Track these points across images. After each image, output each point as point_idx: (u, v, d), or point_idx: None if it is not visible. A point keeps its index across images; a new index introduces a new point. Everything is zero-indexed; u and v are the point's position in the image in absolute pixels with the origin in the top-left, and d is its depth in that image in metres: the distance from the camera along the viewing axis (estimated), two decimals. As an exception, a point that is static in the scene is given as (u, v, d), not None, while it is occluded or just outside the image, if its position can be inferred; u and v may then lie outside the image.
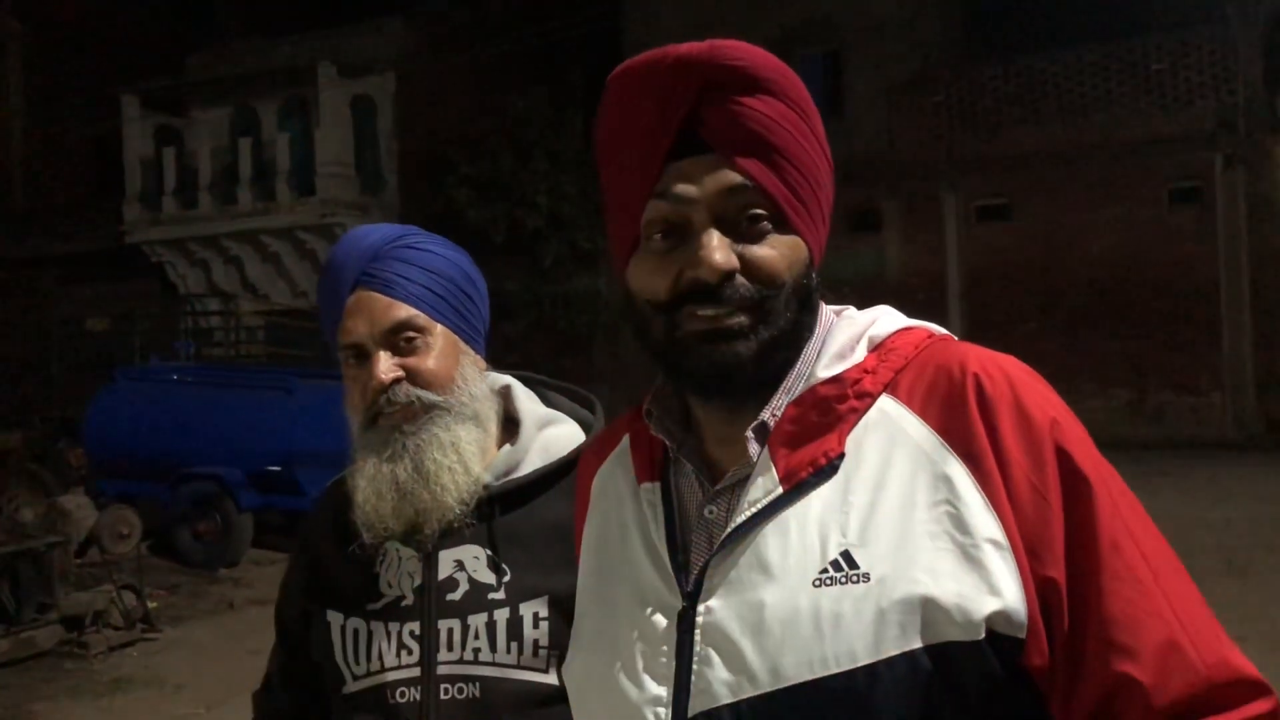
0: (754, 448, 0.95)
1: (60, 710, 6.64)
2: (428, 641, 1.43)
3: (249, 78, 20.60)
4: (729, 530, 0.94)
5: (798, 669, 0.87)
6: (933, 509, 0.89)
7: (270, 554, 10.83)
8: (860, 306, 1.05)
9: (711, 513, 0.97)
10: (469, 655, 1.42)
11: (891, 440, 0.92)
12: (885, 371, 0.95)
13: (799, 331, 0.96)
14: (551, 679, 1.42)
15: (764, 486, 0.94)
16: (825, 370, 0.96)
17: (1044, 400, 0.92)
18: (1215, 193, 16.38)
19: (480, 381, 1.51)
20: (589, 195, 17.89)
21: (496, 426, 1.52)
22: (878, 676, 0.86)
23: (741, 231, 0.93)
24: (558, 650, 1.41)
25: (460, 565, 1.45)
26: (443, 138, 19.79)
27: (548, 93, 19.32)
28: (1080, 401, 16.27)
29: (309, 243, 19.69)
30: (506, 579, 1.45)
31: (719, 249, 0.91)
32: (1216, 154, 16.28)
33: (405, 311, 1.44)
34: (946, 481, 0.89)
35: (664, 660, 0.95)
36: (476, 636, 1.43)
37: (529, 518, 1.48)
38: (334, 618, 1.49)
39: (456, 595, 1.44)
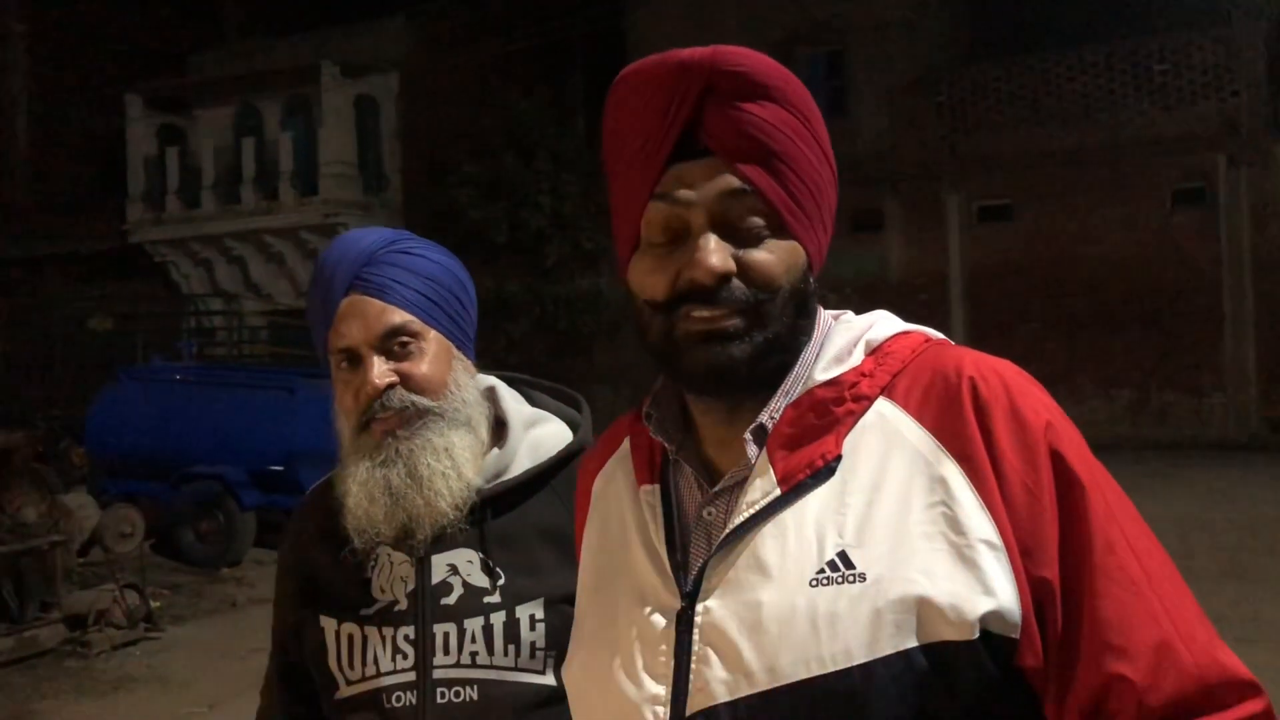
0: (752, 450, 0.96)
1: (63, 709, 6.65)
2: (423, 645, 1.43)
3: (252, 77, 20.62)
4: (727, 531, 0.95)
5: (794, 668, 0.88)
6: (928, 510, 0.90)
7: (272, 553, 10.78)
8: (862, 307, 1.06)
9: (710, 514, 0.98)
10: (466, 659, 1.42)
11: (888, 442, 0.94)
12: (882, 375, 0.97)
13: (795, 335, 0.97)
14: (549, 680, 1.42)
15: (762, 488, 0.95)
16: (823, 373, 0.98)
17: (1038, 404, 0.93)
18: (1218, 193, 16.36)
19: (472, 386, 1.51)
20: (591, 195, 17.88)
21: (487, 431, 1.51)
22: (873, 675, 0.87)
23: (739, 235, 0.94)
24: (555, 651, 1.41)
25: (454, 569, 1.45)
26: (445, 138, 19.79)
27: (550, 92, 19.32)
28: (1082, 402, 16.26)
29: (312, 243, 19.70)
30: (501, 582, 1.45)
31: (715, 252, 0.92)
32: (1220, 155, 16.26)
33: (399, 316, 1.44)
34: (942, 483, 0.90)
35: (663, 659, 0.96)
36: (473, 640, 1.42)
37: (521, 520, 1.48)
38: (327, 623, 1.48)
39: (451, 599, 1.44)
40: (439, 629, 1.43)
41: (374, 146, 20.58)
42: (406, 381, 1.43)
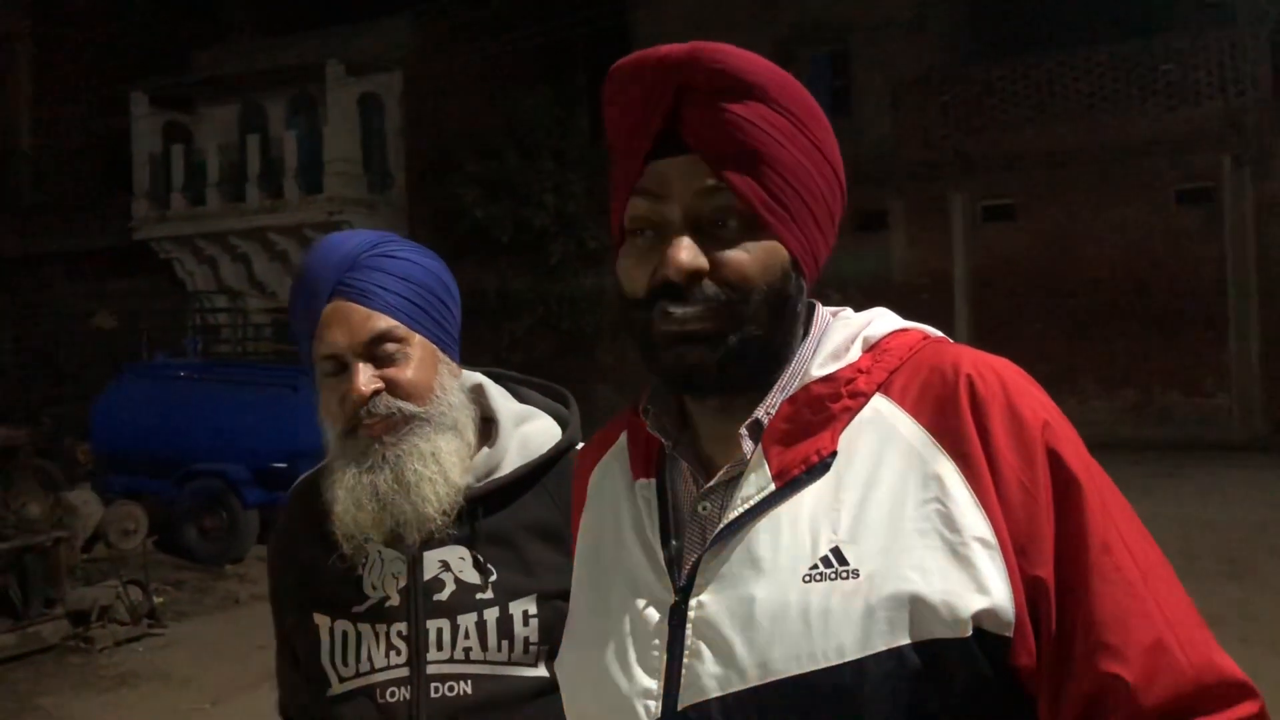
0: (748, 445, 0.96)
1: (66, 704, 6.66)
2: (416, 641, 1.44)
3: (257, 75, 20.61)
4: (721, 526, 0.95)
5: (786, 663, 0.89)
6: (923, 507, 0.90)
7: (276, 550, 10.85)
8: (866, 306, 1.06)
9: (705, 509, 0.98)
10: (460, 654, 1.43)
11: (884, 439, 0.93)
12: (879, 371, 0.97)
13: (773, 336, 0.96)
14: (542, 672, 1.44)
15: (757, 483, 0.95)
16: (819, 369, 0.98)
17: (1036, 403, 0.93)
18: (1223, 193, 16.34)
19: (458, 390, 1.51)
20: (595, 194, 17.88)
21: (474, 433, 1.52)
22: (865, 672, 0.87)
23: (715, 234, 0.94)
24: (548, 645, 1.43)
25: (445, 566, 1.46)
26: (450, 136, 19.79)
27: (554, 91, 19.32)
28: (1086, 402, 16.25)
29: (316, 240, 19.70)
30: (493, 579, 1.46)
31: (686, 249, 0.92)
32: (1224, 154, 16.24)
33: (384, 322, 1.43)
34: (937, 480, 0.90)
35: (655, 654, 0.96)
36: (467, 636, 1.44)
37: (512, 517, 1.49)
38: (321, 621, 1.49)
39: (443, 595, 1.45)
40: (432, 625, 1.44)
41: (378, 144, 20.58)
42: (392, 388, 1.43)
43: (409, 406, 1.44)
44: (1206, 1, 16.46)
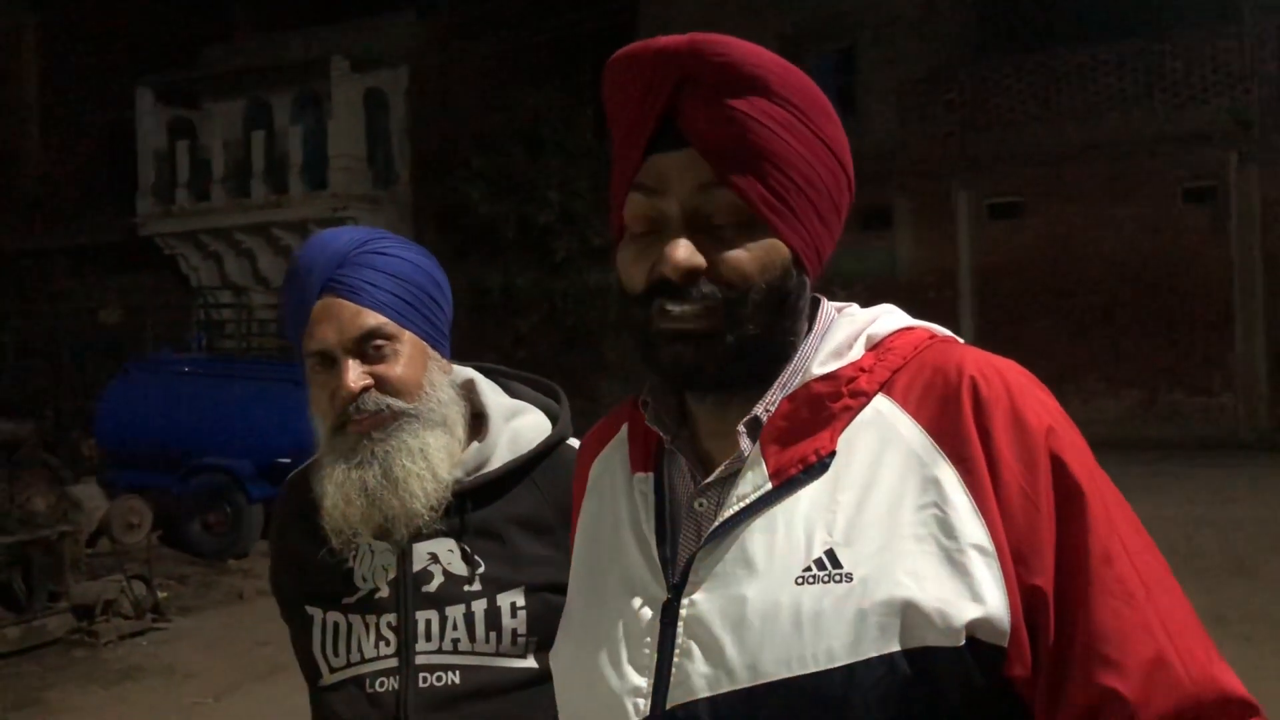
0: (745, 443, 0.95)
1: (70, 697, 6.68)
2: (405, 632, 1.45)
3: (262, 71, 20.64)
4: (716, 524, 0.94)
5: (775, 666, 0.87)
6: (920, 511, 0.88)
7: (280, 546, 10.87)
8: (871, 304, 1.05)
9: (701, 505, 0.97)
10: (448, 645, 1.45)
11: (884, 440, 0.92)
12: (882, 370, 0.95)
13: (772, 335, 0.94)
14: (530, 663, 1.45)
15: (753, 482, 0.93)
16: (820, 367, 0.96)
17: (1041, 407, 0.91)
18: (1229, 191, 16.30)
19: (447, 386, 1.52)
20: (600, 190, 17.87)
21: (464, 429, 1.53)
22: (855, 678, 0.85)
23: (714, 231, 0.92)
24: (536, 637, 1.45)
25: (434, 558, 1.47)
26: (455, 132, 19.80)
27: (560, 87, 19.32)
28: (1090, 401, 16.22)
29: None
30: (481, 571, 1.47)
31: (682, 248, 0.90)
32: (1231, 152, 16.19)
33: (373, 319, 1.44)
34: (935, 484, 0.88)
35: (646, 651, 0.95)
36: (455, 627, 1.45)
37: (501, 511, 1.50)
38: (314, 612, 1.51)
39: (432, 587, 1.46)
40: (421, 616, 1.45)
41: (383, 141, 20.60)
42: (381, 384, 1.45)
43: (397, 403, 1.45)
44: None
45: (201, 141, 21.02)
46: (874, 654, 0.85)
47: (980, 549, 0.86)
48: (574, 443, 1.59)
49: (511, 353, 17.38)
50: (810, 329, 1.00)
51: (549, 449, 1.55)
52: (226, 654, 7.41)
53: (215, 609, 8.97)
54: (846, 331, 0.98)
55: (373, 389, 1.44)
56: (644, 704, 0.93)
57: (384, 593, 1.47)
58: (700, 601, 0.92)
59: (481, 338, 17.35)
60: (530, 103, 19.03)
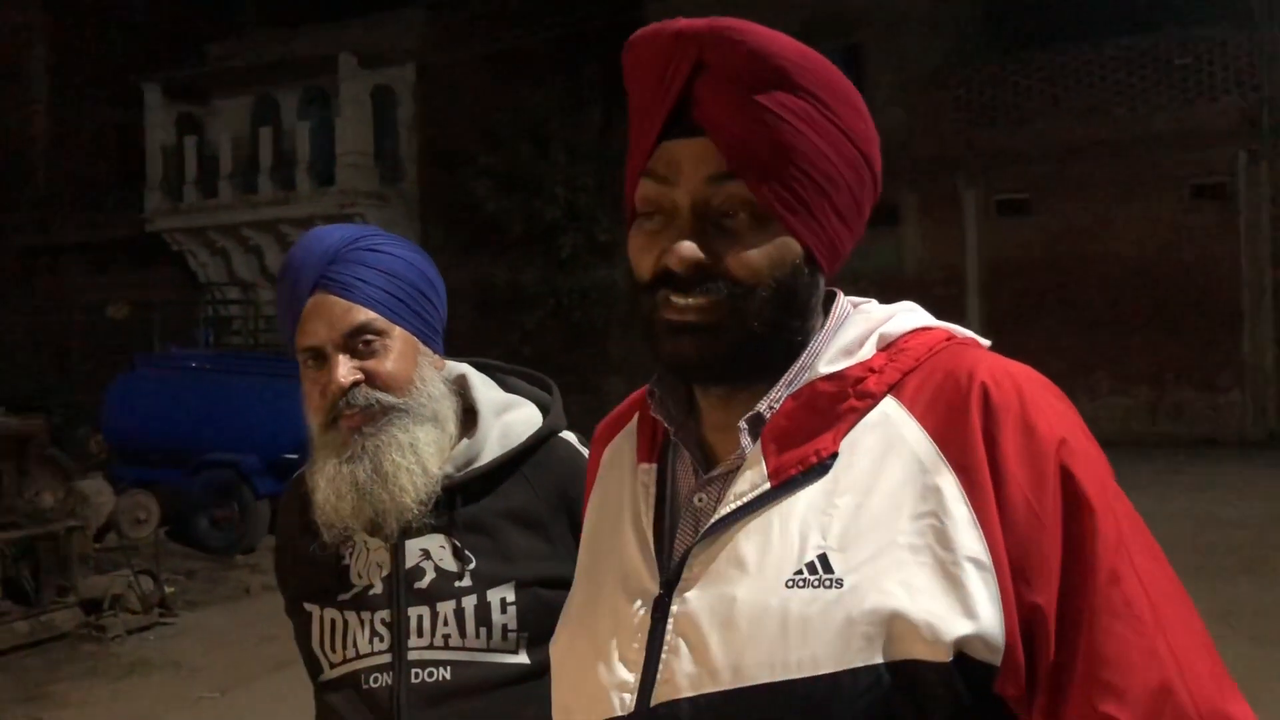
0: (746, 439, 0.92)
1: (78, 691, 6.71)
2: (398, 628, 1.46)
3: (270, 68, 20.67)
4: (712, 521, 0.92)
5: (758, 670, 0.85)
6: (917, 520, 0.85)
7: (286, 541, 10.90)
8: (878, 300, 1.02)
9: (701, 500, 0.95)
10: (439, 641, 1.46)
11: (887, 444, 0.89)
12: (892, 372, 0.92)
13: (779, 332, 0.92)
14: (522, 659, 1.46)
15: (751, 480, 0.91)
16: (827, 366, 0.93)
17: (1055, 417, 0.87)
18: (1238, 188, 16.25)
19: (438, 381, 1.53)
20: (606, 187, 17.88)
21: (455, 424, 1.54)
22: (839, 687, 0.82)
23: (722, 223, 0.89)
24: (528, 632, 1.46)
25: (426, 554, 1.48)
26: (462, 129, 19.80)
27: (566, 84, 19.31)
28: (1098, 399, 16.19)
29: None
30: (471, 566, 1.48)
31: (688, 241, 0.88)
32: (1239, 149, 16.14)
33: (363, 315, 1.46)
34: (935, 493, 0.85)
35: (636, 646, 0.93)
36: (446, 623, 1.46)
37: (491, 506, 1.51)
38: (312, 609, 1.52)
39: (424, 583, 1.47)
40: (413, 612, 1.47)
41: (391, 137, 20.61)
42: (371, 379, 1.46)
43: (387, 398, 1.46)
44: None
45: (209, 138, 21.07)
46: (859, 664, 0.82)
47: (976, 562, 0.82)
48: (567, 435, 1.60)
49: (518, 349, 17.39)
50: (824, 325, 0.97)
51: (539, 442, 1.55)
52: (233, 649, 7.43)
53: (222, 604, 8.99)
54: (859, 329, 0.95)
55: (363, 384, 1.46)
56: (630, 699, 0.92)
57: (378, 589, 1.48)
58: (692, 599, 0.90)
59: (487, 334, 17.37)
60: (537, 99, 19.03)
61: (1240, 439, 15.67)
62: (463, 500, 1.50)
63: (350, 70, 19.81)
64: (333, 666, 1.50)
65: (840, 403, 0.91)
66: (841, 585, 0.84)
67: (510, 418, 1.57)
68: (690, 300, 0.89)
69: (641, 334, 0.94)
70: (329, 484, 1.46)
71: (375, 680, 1.46)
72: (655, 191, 0.92)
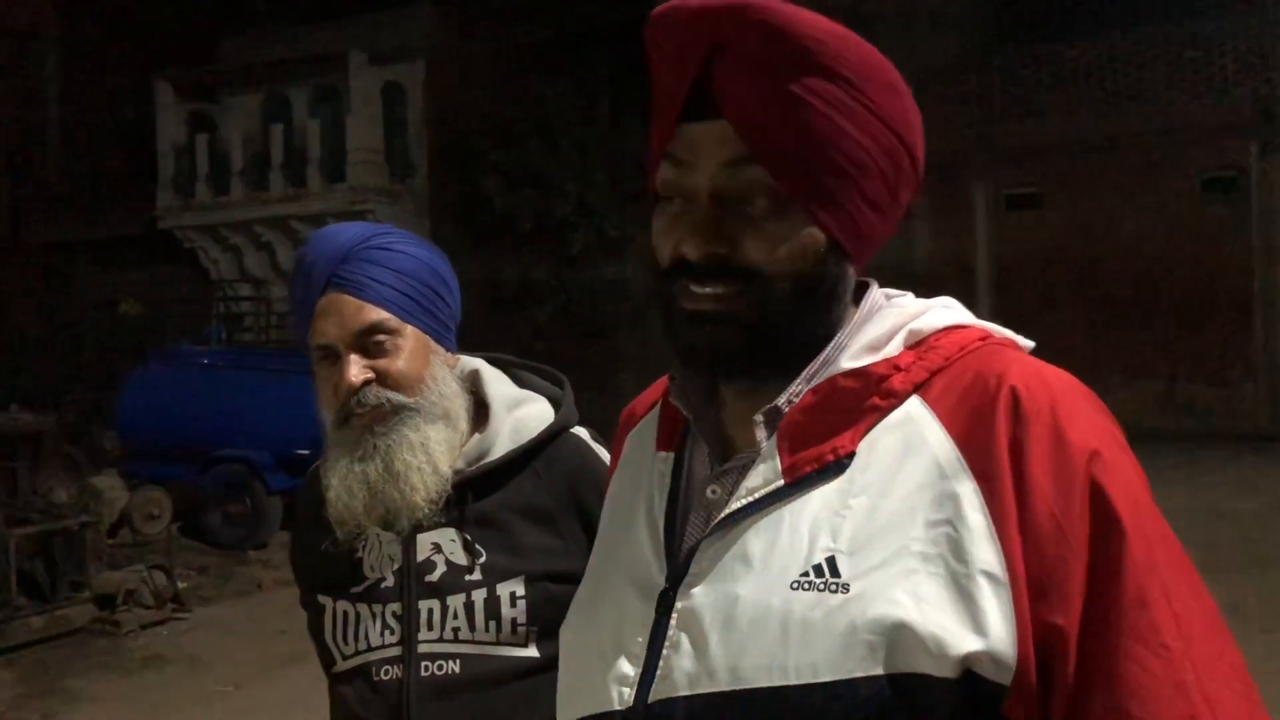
0: (761, 433, 0.89)
1: (92, 686, 6.75)
2: (409, 621, 1.48)
3: (280, 65, 20.69)
4: (723, 515, 0.89)
5: (756, 673, 0.82)
6: (932, 529, 0.81)
7: (299, 537, 10.95)
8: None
9: (714, 493, 0.92)
10: (449, 634, 1.47)
11: (908, 446, 0.84)
12: (919, 371, 0.87)
13: (798, 325, 0.88)
14: (531, 652, 1.47)
15: (764, 475, 0.88)
16: (850, 361, 0.89)
17: (1089, 427, 0.82)
18: (1250, 181, 16.16)
19: (450, 380, 1.54)
20: (617, 183, 17.85)
21: (467, 421, 1.55)
22: (838, 697, 0.79)
23: (741, 210, 0.86)
24: (537, 626, 1.46)
25: (437, 548, 1.50)
26: (472, 125, 19.80)
27: (576, 79, 19.29)
28: (1110, 393, 16.00)
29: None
30: (481, 560, 1.49)
31: (702, 231, 0.86)
32: (1252, 142, 16.05)
33: (376, 314, 1.47)
34: (953, 500, 0.81)
35: (639, 640, 0.91)
36: (455, 616, 1.47)
37: (502, 500, 1.52)
38: (325, 601, 1.54)
39: (434, 576, 1.48)
40: (423, 605, 1.48)
41: (401, 134, 20.62)
42: (383, 378, 1.47)
43: (398, 397, 1.47)
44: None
45: (220, 135, 21.10)
46: (860, 674, 0.78)
47: (991, 577, 0.78)
48: (579, 431, 1.60)
49: (529, 345, 17.39)
50: (853, 317, 0.93)
51: (551, 437, 1.56)
52: (246, 643, 7.46)
53: (235, 599, 9.03)
54: (888, 324, 0.91)
55: (374, 383, 1.46)
56: (629, 693, 0.90)
57: (389, 582, 1.49)
58: (697, 594, 0.87)
59: (499, 330, 17.38)
60: (547, 95, 19.01)
61: (1253, 432, 15.58)
62: (474, 495, 1.51)
63: (360, 67, 19.83)
64: (345, 658, 1.51)
65: (862, 400, 0.87)
66: (847, 591, 0.81)
67: (522, 413, 1.58)
68: (707, 289, 0.86)
69: (660, 322, 0.91)
70: (341, 482, 1.47)
71: (386, 672, 1.47)
72: (675, 175, 0.89)
